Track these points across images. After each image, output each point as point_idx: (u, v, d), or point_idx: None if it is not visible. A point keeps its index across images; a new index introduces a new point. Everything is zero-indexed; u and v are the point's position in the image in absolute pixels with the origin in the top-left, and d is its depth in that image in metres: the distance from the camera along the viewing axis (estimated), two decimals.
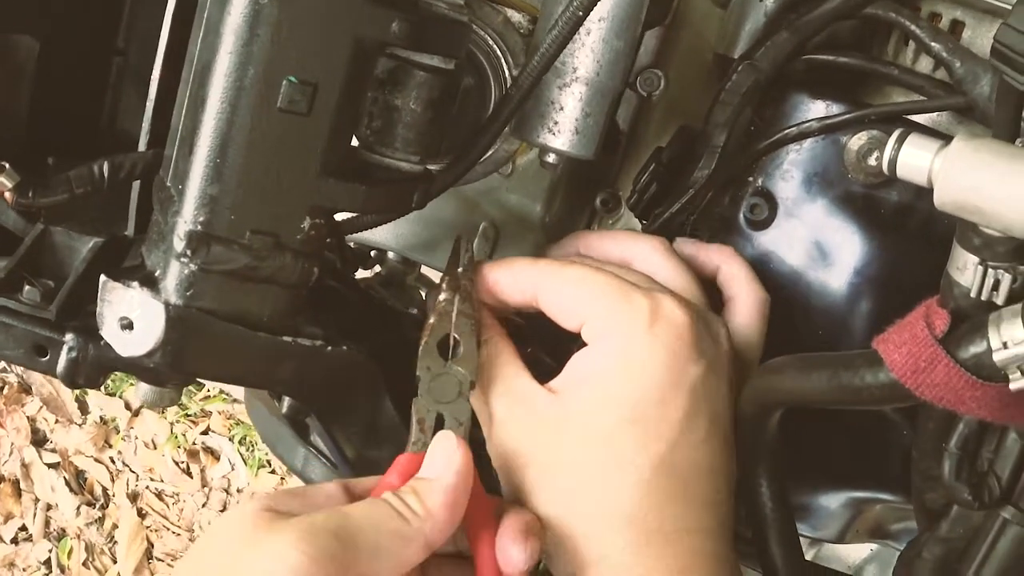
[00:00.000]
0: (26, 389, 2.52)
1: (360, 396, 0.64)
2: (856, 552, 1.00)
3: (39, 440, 2.52)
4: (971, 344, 0.47)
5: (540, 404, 0.63)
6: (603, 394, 0.62)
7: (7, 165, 0.64)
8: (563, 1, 0.69)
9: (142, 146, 0.69)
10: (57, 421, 2.51)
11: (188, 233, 0.57)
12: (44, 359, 0.65)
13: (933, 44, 0.70)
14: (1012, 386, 0.46)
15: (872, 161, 0.72)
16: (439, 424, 0.61)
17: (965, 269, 0.48)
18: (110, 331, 0.60)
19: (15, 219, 0.77)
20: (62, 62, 0.82)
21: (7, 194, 0.64)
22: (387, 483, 0.59)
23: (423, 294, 1.29)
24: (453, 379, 0.62)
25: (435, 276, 1.25)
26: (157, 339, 0.59)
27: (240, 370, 0.62)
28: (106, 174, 0.65)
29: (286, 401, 0.72)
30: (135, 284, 0.59)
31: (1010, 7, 0.69)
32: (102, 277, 0.60)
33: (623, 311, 0.63)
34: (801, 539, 0.72)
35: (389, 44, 0.57)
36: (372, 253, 1.20)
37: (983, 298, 0.48)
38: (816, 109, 0.74)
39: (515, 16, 0.76)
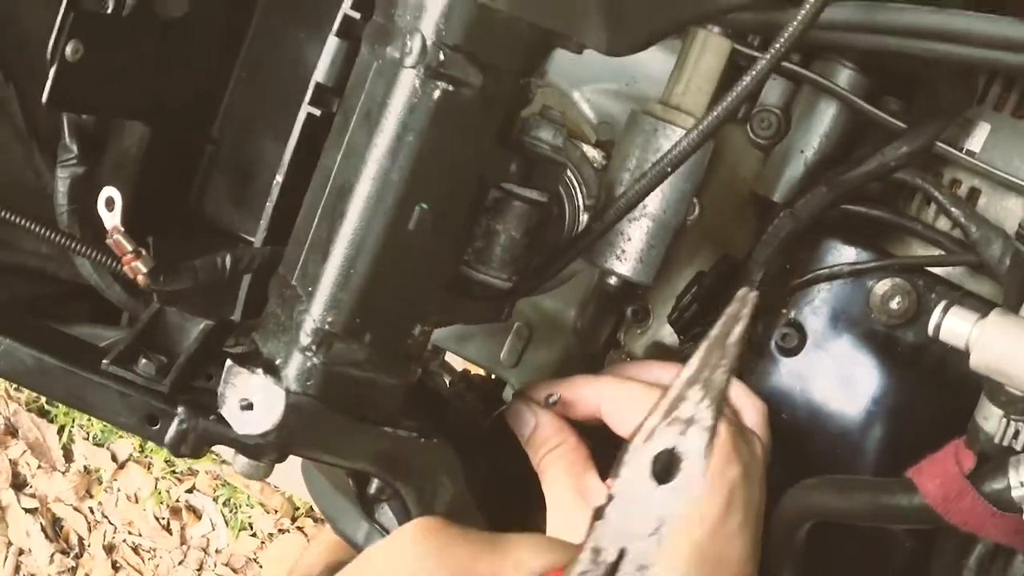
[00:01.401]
0: (12, 432, 2.55)
1: (443, 483, 0.72)
2: None
3: (19, 484, 2.54)
4: (994, 481, 0.57)
5: (597, 500, 0.71)
6: None
7: (143, 251, 0.72)
8: (638, 145, 0.79)
9: (258, 241, 0.76)
10: (40, 466, 2.53)
11: (315, 330, 0.65)
12: (155, 428, 0.72)
13: (953, 209, 0.80)
14: None
15: (894, 305, 0.81)
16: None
17: (990, 419, 0.58)
18: (230, 410, 0.68)
19: (119, 293, 0.85)
20: (164, 147, 0.91)
21: (140, 278, 0.71)
22: None
23: (446, 380, 1.37)
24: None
25: (457, 363, 1.33)
26: (275, 422, 0.66)
27: (341, 454, 0.69)
28: (228, 266, 0.73)
29: (374, 482, 0.79)
30: (259, 371, 0.67)
31: (1022, 183, 0.80)
32: (228, 361, 0.68)
33: None
34: None
35: (505, 181, 0.66)
36: None
37: (1005, 444, 0.57)
38: (847, 254, 0.83)
39: (591, 152, 0.85)
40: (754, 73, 0.63)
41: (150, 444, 2.42)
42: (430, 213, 0.64)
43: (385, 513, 0.81)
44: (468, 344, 1.09)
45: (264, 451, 0.70)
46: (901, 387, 0.83)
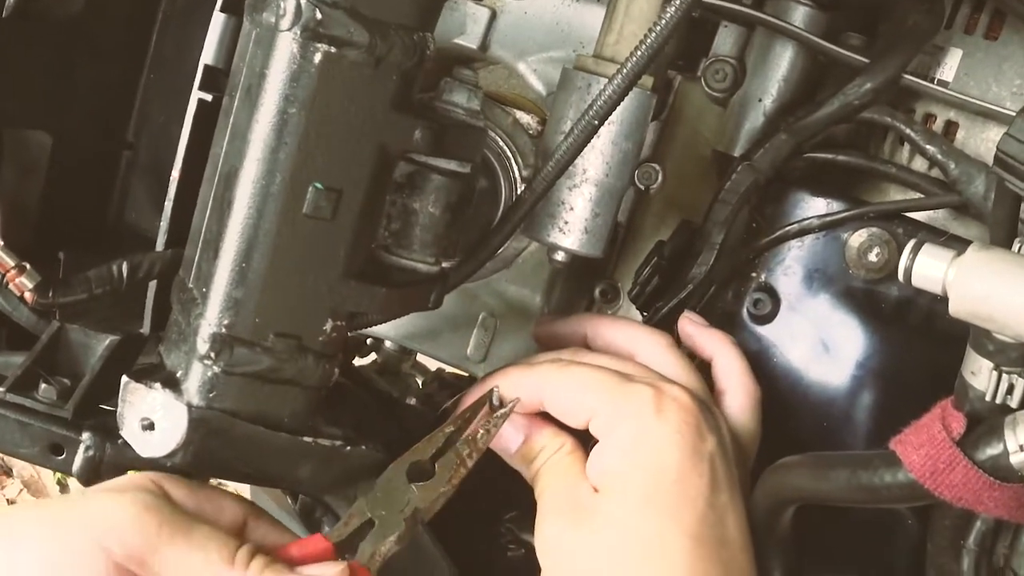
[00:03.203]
0: (7, 471, 2.49)
1: None
2: None
3: None
4: (988, 446, 0.49)
5: (586, 503, 0.64)
6: (629, 486, 0.63)
7: (28, 266, 0.65)
8: (572, 105, 0.72)
9: (160, 244, 0.70)
10: None
11: (212, 335, 0.58)
12: (60, 458, 0.65)
13: (928, 147, 0.72)
14: None
15: (873, 257, 0.74)
16: (367, 527, 0.61)
17: (979, 373, 0.50)
18: (131, 432, 0.61)
19: (28, 316, 0.77)
20: (73, 156, 0.84)
21: (27, 294, 0.65)
22: (285, 551, 0.61)
23: (419, 382, 1.30)
24: (404, 497, 0.62)
25: (431, 364, 1.26)
26: (179, 440, 0.59)
27: (260, 470, 0.62)
28: (124, 274, 0.66)
29: (300, 497, 0.72)
30: (157, 385, 0.60)
31: (1002, 110, 0.72)
32: (124, 378, 0.61)
33: (628, 401, 0.65)
34: None
35: (411, 151, 0.59)
36: (368, 341, 1.21)
37: (998, 401, 0.49)
38: (816, 206, 0.76)
39: (524, 118, 0.78)
40: (677, 3, 0.55)
41: None
42: (326, 193, 0.56)
43: None
44: (434, 342, 1.02)
45: (177, 474, 0.63)
46: (888, 347, 0.75)
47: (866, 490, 0.54)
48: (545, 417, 0.68)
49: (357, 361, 1.23)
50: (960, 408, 0.51)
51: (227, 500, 0.63)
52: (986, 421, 0.50)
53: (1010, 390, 0.48)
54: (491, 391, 0.66)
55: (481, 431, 0.64)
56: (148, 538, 0.57)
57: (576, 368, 0.67)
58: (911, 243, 0.50)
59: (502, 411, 0.65)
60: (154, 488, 0.60)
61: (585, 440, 0.67)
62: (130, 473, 0.62)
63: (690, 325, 0.76)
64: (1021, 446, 0.47)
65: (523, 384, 0.67)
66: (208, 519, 0.61)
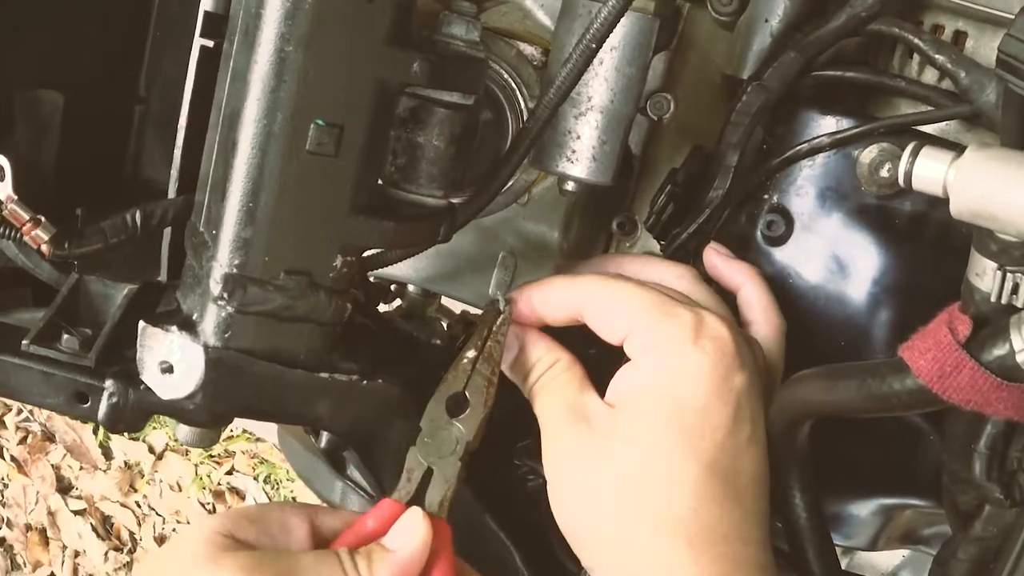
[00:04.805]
0: (49, 437, 2.54)
1: (396, 428, 0.66)
2: (889, 559, 1.00)
3: (64, 487, 2.54)
4: (994, 347, 0.49)
5: (596, 418, 0.65)
6: (652, 406, 0.63)
7: (43, 219, 0.66)
8: (575, 33, 0.71)
9: (171, 192, 0.70)
10: (82, 468, 2.52)
11: (224, 276, 0.59)
12: (85, 406, 0.67)
13: (937, 56, 0.71)
14: None
15: (884, 173, 0.73)
16: (427, 477, 0.62)
17: (984, 275, 0.50)
18: (151, 375, 0.62)
19: (50, 271, 0.79)
20: (86, 113, 0.84)
21: (44, 246, 0.66)
22: (362, 524, 0.61)
23: (444, 325, 1.31)
24: (452, 436, 0.63)
25: (455, 307, 1.27)
26: (198, 381, 0.61)
27: (279, 408, 0.63)
28: (139, 222, 0.67)
29: (324, 436, 0.73)
30: (174, 328, 0.61)
31: (1011, 16, 0.71)
32: (141, 323, 0.62)
33: (668, 324, 0.65)
34: None
35: (410, 84, 0.59)
36: (392, 287, 1.22)
37: (1003, 302, 0.49)
38: (827, 124, 0.75)
39: (527, 49, 0.78)
40: None
41: None
42: (328, 129, 0.57)
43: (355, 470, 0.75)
44: (456, 283, 1.03)
45: (199, 415, 0.64)
46: (904, 262, 0.74)
47: (876, 398, 0.54)
48: (544, 334, 0.68)
49: (382, 307, 1.24)
50: (966, 311, 0.51)
51: (289, 512, 0.62)
52: (992, 322, 0.50)
53: (1015, 289, 0.48)
54: (495, 300, 0.67)
55: (491, 343, 0.65)
56: None
57: (621, 283, 0.67)
58: (910, 146, 0.49)
59: (501, 317, 0.66)
60: (232, 542, 0.59)
61: (600, 364, 0.67)
62: (189, 528, 0.61)
63: (716, 255, 0.76)
64: None
65: (565, 293, 0.68)
66: (285, 543, 0.61)
